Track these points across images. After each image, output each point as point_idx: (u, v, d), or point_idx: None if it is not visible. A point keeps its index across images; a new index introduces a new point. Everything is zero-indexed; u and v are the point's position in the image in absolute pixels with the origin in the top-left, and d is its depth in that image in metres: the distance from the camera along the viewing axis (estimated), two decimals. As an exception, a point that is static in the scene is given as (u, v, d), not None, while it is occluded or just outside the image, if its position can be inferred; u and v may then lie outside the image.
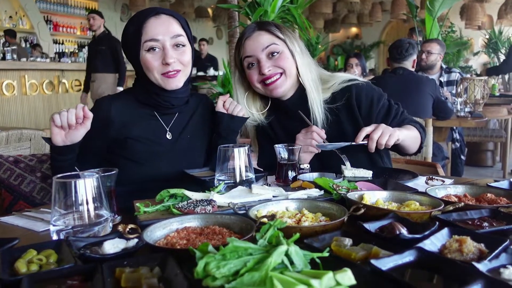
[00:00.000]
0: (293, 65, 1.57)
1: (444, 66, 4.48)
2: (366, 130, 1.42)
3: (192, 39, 1.48)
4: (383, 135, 1.40)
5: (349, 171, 1.38)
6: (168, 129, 1.50)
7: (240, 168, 1.24)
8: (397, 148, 1.55)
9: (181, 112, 1.53)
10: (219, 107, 1.54)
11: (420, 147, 1.63)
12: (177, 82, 1.42)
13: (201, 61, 9.17)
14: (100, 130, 1.40)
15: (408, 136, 1.51)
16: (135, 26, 1.39)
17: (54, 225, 0.90)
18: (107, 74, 5.42)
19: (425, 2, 6.74)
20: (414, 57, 3.62)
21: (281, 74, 1.56)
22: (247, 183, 1.24)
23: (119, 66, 5.41)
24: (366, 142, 1.42)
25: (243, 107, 1.60)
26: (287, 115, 1.66)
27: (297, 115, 1.55)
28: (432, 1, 5.78)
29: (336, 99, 1.61)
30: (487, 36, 9.85)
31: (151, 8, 1.44)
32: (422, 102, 3.44)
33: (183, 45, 1.42)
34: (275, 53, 1.54)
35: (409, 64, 3.59)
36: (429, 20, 6.00)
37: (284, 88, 1.58)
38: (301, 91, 1.61)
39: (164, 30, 1.38)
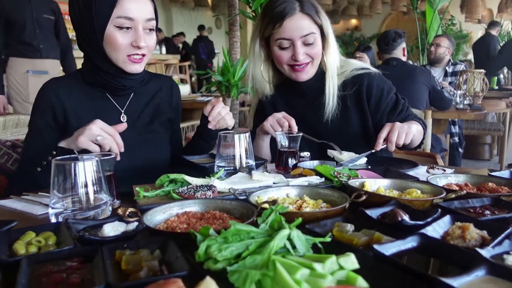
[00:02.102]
0: (321, 53, 1.55)
1: (452, 60, 4.53)
2: (383, 135, 1.38)
3: (157, 23, 1.40)
4: (399, 135, 1.37)
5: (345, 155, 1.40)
6: (122, 111, 1.42)
7: (240, 155, 1.23)
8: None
9: (137, 93, 1.45)
10: (207, 111, 1.44)
11: (421, 142, 1.62)
12: (139, 67, 1.35)
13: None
14: (51, 118, 1.33)
15: (417, 130, 1.49)
16: None
17: (53, 208, 0.89)
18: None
19: (426, -6, 6.70)
20: (403, 45, 3.64)
21: (310, 62, 1.54)
22: (248, 170, 1.23)
23: None
24: (385, 145, 1.39)
25: (255, 80, 1.62)
26: (294, 92, 1.65)
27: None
28: (433, -7, 5.75)
29: (347, 86, 1.60)
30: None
31: None
32: (418, 92, 3.45)
33: (152, 30, 1.35)
34: (310, 43, 1.51)
35: (399, 53, 3.61)
36: (430, 12, 5.99)
37: (309, 75, 1.58)
38: (318, 74, 1.59)
39: (140, 10, 1.29)
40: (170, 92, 1.56)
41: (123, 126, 1.21)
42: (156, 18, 1.37)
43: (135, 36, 1.30)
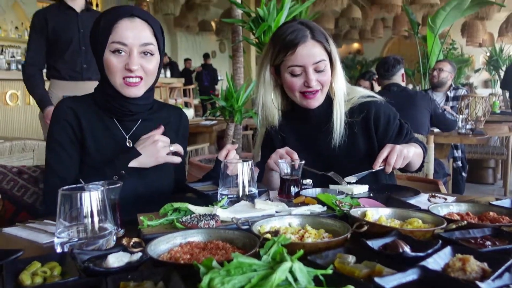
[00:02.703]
0: (330, 79, 1.58)
1: (453, 85, 4.59)
2: (383, 155, 1.42)
3: (163, 48, 1.43)
4: (398, 158, 1.41)
5: (345, 188, 1.40)
6: (127, 137, 1.44)
7: (243, 183, 1.25)
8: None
9: (145, 119, 1.47)
10: (222, 156, 1.48)
11: (421, 165, 1.65)
12: (136, 91, 1.37)
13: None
14: (71, 133, 1.38)
15: (415, 153, 1.52)
16: (106, 23, 1.34)
17: (58, 237, 0.90)
18: None
19: (426, 19, 6.81)
20: (402, 71, 3.68)
21: (320, 89, 1.57)
22: (250, 198, 1.24)
23: None
24: (382, 166, 1.43)
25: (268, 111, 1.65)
26: (301, 118, 1.67)
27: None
28: (433, 18, 5.85)
29: (354, 113, 1.63)
30: (488, 54, 9.93)
31: (127, 8, 1.38)
32: (419, 117, 3.48)
33: (151, 54, 1.37)
34: (321, 70, 1.54)
35: (399, 79, 3.65)
36: (431, 37, 6.06)
37: (320, 101, 1.60)
38: (326, 101, 1.62)
39: (134, 35, 1.33)
40: (178, 121, 1.58)
41: (161, 129, 1.36)
42: (159, 42, 1.40)
43: (129, 60, 1.33)
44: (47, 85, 3.20)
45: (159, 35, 1.40)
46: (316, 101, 1.58)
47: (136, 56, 1.33)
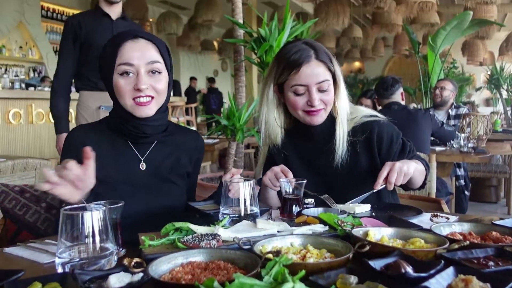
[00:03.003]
0: (333, 98, 1.60)
1: (455, 103, 4.63)
2: (383, 175, 1.42)
3: (170, 67, 1.44)
4: (398, 176, 1.41)
5: (347, 207, 1.39)
6: (142, 159, 1.44)
7: (245, 202, 1.25)
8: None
9: (160, 142, 1.47)
10: (227, 178, 1.45)
11: (424, 183, 1.64)
12: (148, 110, 1.36)
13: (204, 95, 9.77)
14: (78, 159, 1.31)
15: (416, 170, 1.52)
16: (111, 48, 1.36)
17: (59, 257, 0.90)
18: None
19: (427, 38, 6.88)
20: (401, 90, 3.72)
21: (323, 108, 1.58)
22: (252, 217, 1.24)
23: None
24: (384, 185, 1.42)
25: (273, 124, 1.65)
26: (304, 137, 1.68)
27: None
28: (434, 38, 5.90)
29: (357, 132, 1.63)
30: (489, 72, 9.98)
31: (130, 31, 1.40)
32: (421, 135, 3.49)
33: (159, 72, 1.38)
34: (325, 89, 1.56)
35: (398, 97, 3.69)
36: (431, 56, 6.11)
37: (323, 118, 1.61)
38: (329, 120, 1.63)
39: (140, 55, 1.34)
40: (193, 146, 1.57)
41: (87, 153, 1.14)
42: (165, 60, 1.40)
43: (137, 80, 1.34)
44: (76, 95, 3.02)
45: (165, 54, 1.41)
46: (320, 118, 1.59)
47: (144, 75, 1.34)
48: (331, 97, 1.58)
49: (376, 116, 1.67)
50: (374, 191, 1.44)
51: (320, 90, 1.55)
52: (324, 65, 1.55)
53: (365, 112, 1.69)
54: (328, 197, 1.47)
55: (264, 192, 1.60)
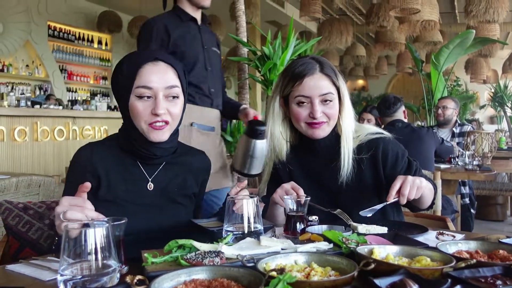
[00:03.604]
0: (337, 114, 1.60)
1: (458, 121, 4.65)
2: (396, 187, 1.40)
3: (186, 90, 1.44)
4: (411, 189, 1.39)
5: (362, 227, 1.34)
6: (150, 180, 1.43)
7: (248, 219, 1.24)
8: (414, 201, 1.53)
9: (168, 163, 1.47)
10: (233, 193, 1.45)
11: (432, 203, 1.62)
12: (162, 135, 1.36)
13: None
14: (84, 180, 1.27)
15: (427, 187, 1.50)
16: (130, 68, 1.35)
17: (62, 275, 0.89)
18: None
19: (430, 56, 6.92)
20: (403, 108, 3.76)
21: (326, 122, 1.59)
22: (256, 234, 1.23)
23: None
24: (396, 198, 1.41)
25: (278, 136, 1.65)
26: (309, 153, 1.68)
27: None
28: (437, 56, 5.93)
29: (362, 149, 1.63)
30: (493, 90, 9.99)
31: (150, 52, 1.41)
32: (425, 153, 3.49)
33: (177, 97, 1.38)
34: (328, 101, 1.57)
35: (401, 115, 3.72)
36: (435, 74, 6.13)
37: (326, 132, 1.61)
38: (334, 137, 1.63)
39: (159, 78, 1.34)
40: (200, 168, 1.57)
41: (85, 187, 1.15)
42: (182, 85, 1.41)
43: (155, 104, 1.34)
44: None
45: (182, 77, 1.41)
46: (322, 131, 1.59)
47: (162, 100, 1.34)
48: (334, 111, 1.58)
49: (382, 133, 1.67)
50: (387, 203, 1.42)
51: (324, 103, 1.56)
52: (329, 79, 1.57)
53: (371, 129, 1.69)
54: (342, 212, 1.46)
55: (273, 209, 1.59)
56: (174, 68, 1.39)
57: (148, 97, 1.34)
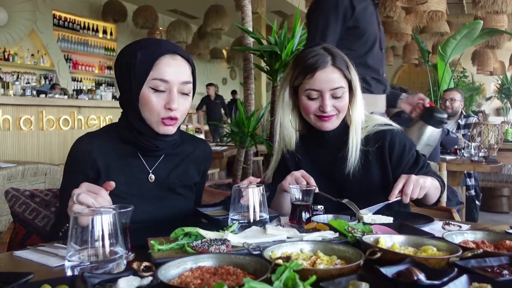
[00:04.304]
0: (347, 106, 1.59)
1: (464, 113, 4.63)
2: (399, 187, 1.39)
3: (195, 86, 1.42)
4: (414, 188, 1.38)
5: (368, 217, 1.34)
6: (151, 171, 1.42)
7: (254, 208, 1.24)
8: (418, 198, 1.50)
9: (168, 154, 1.45)
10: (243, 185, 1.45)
11: (438, 200, 1.61)
12: (171, 130, 1.35)
13: (212, 102, 9.78)
14: (82, 175, 1.32)
15: (432, 185, 1.48)
16: (147, 57, 1.30)
17: (69, 261, 0.90)
18: None
19: (437, 47, 6.86)
20: None
21: (336, 114, 1.58)
22: (261, 223, 1.23)
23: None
24: (399, 197, 1.40)
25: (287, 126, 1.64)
26: (317, 143, 1.67)
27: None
28: (444, 47, 5.88)
29: (369, 141, 1.62)
30: (499, 82, 9.91)
31: (169, 44, 1.36)
32: None
33: (187, 94, 1.36)
34: (339, 96, 1.55)
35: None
36: (441, 65, 6.09)
37: (334, 125, 1.61)
38: (342, 128, 1.63)
39: (176, 73, 1.31)
40: (201, 156, 1.56)
41: (110, 185, 1.16)
42: (194, 81, 1.38)
43: (169, 98, 1.31)
44: None
45: (194, 74, 1.40)
46: (331, 124, 1.59)
47: (176, 94, 1.32)
48: (344, 104, 1.57)
49: (390, 125, 1.66)
50: (388, 202, 1.41)
51: (334, 97, 1.55)
52: (340, 72, 1.55)
53: (379, 120, 1.68)
54: (350, 202, 1.44)
55: (280, 197, 1.58)
56: (190, 64, 1.37)
57: (163, 90, 1.31)
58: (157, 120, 1.33)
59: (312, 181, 1.47)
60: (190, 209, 1.51)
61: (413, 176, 1.40)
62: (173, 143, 1.45)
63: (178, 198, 1.48)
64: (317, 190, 1.44)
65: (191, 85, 1.37)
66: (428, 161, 1.71)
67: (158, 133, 1.35)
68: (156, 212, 1.40)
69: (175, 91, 1.31)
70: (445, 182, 1.69)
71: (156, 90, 1.30)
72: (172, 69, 1.31)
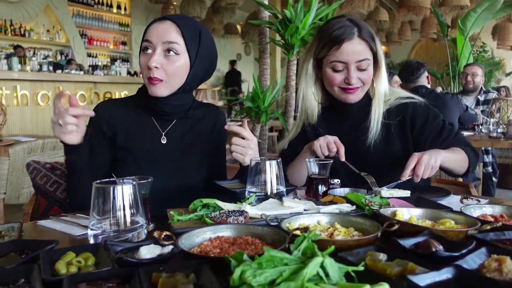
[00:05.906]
0: (371, 78, 1.58)
1: (484, 89, 4.55)
2: (410, 166, 1.36)
3: (196, 50, 1.41)
4: (425, 169, 1.35)
5: (386, 191, 1.33)
6: (163, 133, 1.48)
7: (271, 181, 1.25)
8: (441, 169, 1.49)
9: (181, 118, 1.51)
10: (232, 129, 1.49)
11: (468, 171, 1.57)
12: (158, 91, 1.38)
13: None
14: (101, 135, 1.44)
15: (450, 159, 1.46)
16: (145, 28, 1.43)
17: (92, 229, 0.92)
18: None
19: (456, 21, 6.69)
20: (426, 73, 3.67)
21: (360, 86, 1.57)
22: (278, 196, 1.24)
23: None
24: (411, 176, 1.38)
25: (307, 99, 1.66)
26: (339, 115, 1.67)
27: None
28: (463, 20, 5.73)
29: (391, 114, 1.61)
30: (520, 57, 9.66)
31: (168, 15, 1.44)
32: (450, 119, 3.43)
33: (176, 53, 1.37)
34: (364, 68, 1.54)
35: (424, 81, 3.65)
36: (461, 39, 5.94)
37: (358, 98, 1.60)
38: (365, 99, 1.62)
39: (160, 33, 1.37)
40: (214, 119, 1.60)
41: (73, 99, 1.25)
42: (188, 43, 1.39)
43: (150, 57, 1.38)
44: None
45: (189, 37, 1.39)
46: (355, 97, 1.58)
47: (158, 54, 1.36)
48: (369, 76, 1.56)
49: (413, 98, 1.64)
50: (400, 181, 1.39)
51: (359, 69, 1.53)
52: (366, 43, 1.53)
53: (402, 93, 1.66)
54: (368, 175, 1.43)
55: (301, 159, 1.56)
56: (178, 26, 1.38)
57: (149, 49, 1.38)
58: (146, 81, 1.41)
59: (343, 150, 1.47)
60: (203, 174, 1.52)
61: (425, 156, 1.37)
62: (184, 109, 1.50)
63: (191, 160, 1.50)
64: (343, 159, 1.45)
65: (177, 45, 1.37)
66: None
67: (150, 94, 1.41)
68: (170, 174, 1.44)
69: (158, 51, 1.37)
70: (477, 151, 1.64)
71: (144, 51, 1.40)
72: (156, 30, 1.39)
